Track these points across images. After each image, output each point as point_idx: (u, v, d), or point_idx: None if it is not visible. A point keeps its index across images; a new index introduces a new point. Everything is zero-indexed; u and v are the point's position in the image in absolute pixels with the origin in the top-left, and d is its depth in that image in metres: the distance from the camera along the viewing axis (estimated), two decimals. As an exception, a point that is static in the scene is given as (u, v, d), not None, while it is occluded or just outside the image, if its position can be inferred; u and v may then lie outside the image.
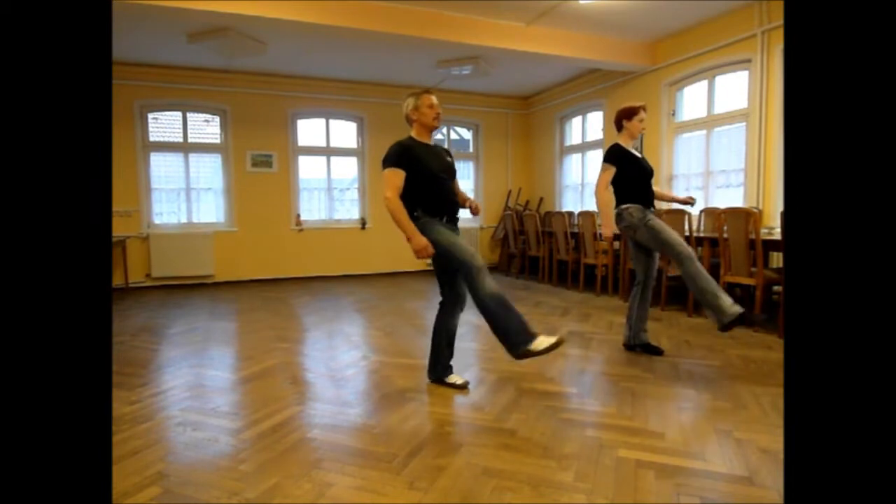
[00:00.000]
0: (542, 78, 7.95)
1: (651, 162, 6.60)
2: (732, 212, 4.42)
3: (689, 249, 3.34)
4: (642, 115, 3.65)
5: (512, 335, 2.68)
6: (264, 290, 6.81)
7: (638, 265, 3.67)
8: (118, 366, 3.46)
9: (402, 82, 8.02)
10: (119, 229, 6.90)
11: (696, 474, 2.01)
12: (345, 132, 8.33)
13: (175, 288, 7.11)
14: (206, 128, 7.57)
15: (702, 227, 5.69)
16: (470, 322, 4.83)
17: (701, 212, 5.80)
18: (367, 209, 8.28)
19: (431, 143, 3.06)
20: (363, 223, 8.23)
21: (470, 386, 3.05)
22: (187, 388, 3.06)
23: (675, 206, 4.78)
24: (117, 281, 6.86)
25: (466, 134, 9.27)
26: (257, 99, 7.56)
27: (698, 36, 5.94)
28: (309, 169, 8.15)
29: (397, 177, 2.85)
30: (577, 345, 3.95)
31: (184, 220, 7.46)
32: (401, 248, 9.04)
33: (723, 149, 5.97)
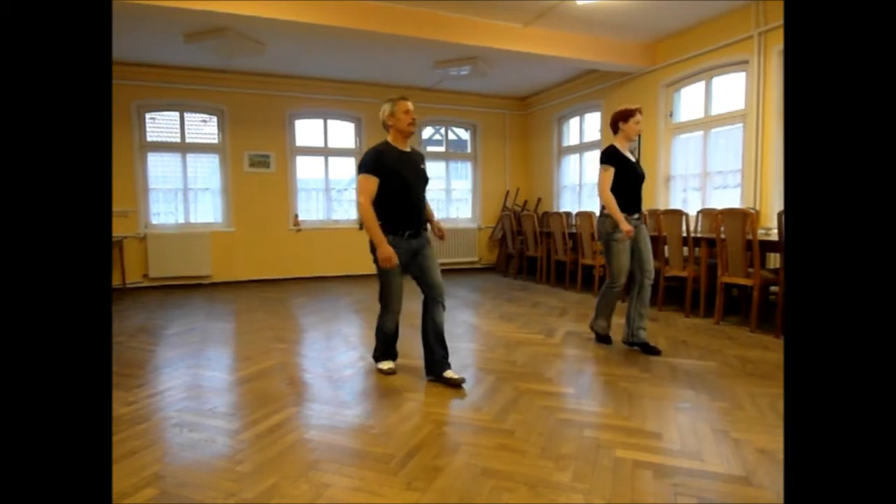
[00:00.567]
0: (539, 78, 7.96)
1: (648, 163, 6.70)
2: (729, 212, 4.43)
3: (622, 282, 3.70)
4: (638, 117, 3.69)
5: (378, 350, 3.38)
6: (262, 291, 6.80)
7: (633, 265, 3.72)
8: (115, 366, 3.45)
9: (400, 83, 8.02)
10: (116, 229, 6.88)
11: (693, 474, 2.01)
12: (343, 132, 8.32)
13: (172, 288, 7.09)
14: (203, 128, 7.56)
15: (699, 228, 5.70)
16: (467, 322, 4.83)
17: (698, 212, 5.82)
18: (364, 209, 8.28)
19: (407, 148, 3.14)
20: (361, 224, 8.22)
21: (468, 386, 3.05)
22: (184, 389, 3.05)
23: (671, 206, 4.81)
24: (115, 281, 6.84)
25: (464, 134, 9.27)
26: (255, 99, 7.55)
27: (696, 37, 5.95)
28: (307, 169, 8.14)
29: (371, 182, 2.98)
30: (574, 345, 3.96)
31: (181, 220, 7.44)
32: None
33: (720, 150, 5.98)
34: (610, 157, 3.65)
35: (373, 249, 3.06)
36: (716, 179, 6.04)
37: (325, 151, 8.20)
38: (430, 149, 9.00)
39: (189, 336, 4.37)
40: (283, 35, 5.71)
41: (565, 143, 8.61)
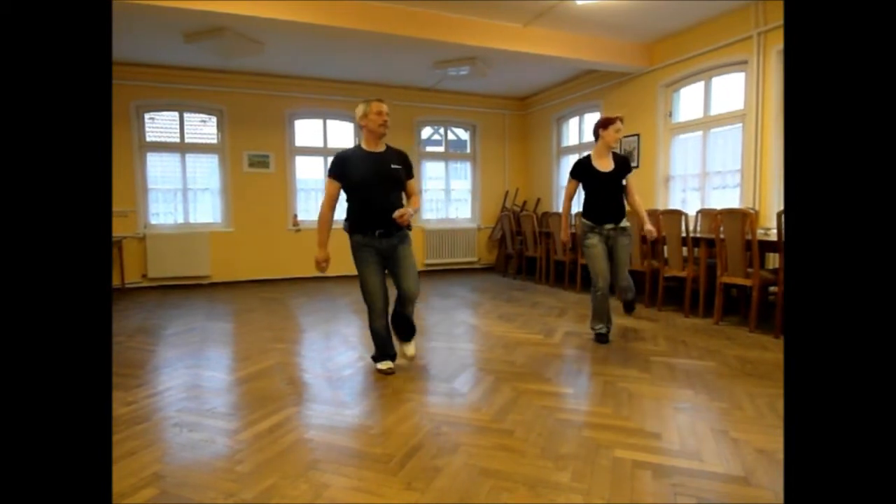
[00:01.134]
0: (539, 79, 7.96)
1: (648, 163, 6.70)
2: (729, 213, 4.44)
3: (601, 284, 3.83)
4: (618, 125, 3.86)
5: (376, 351, 3.38)
6: (261, 291, 6.80)
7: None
8: (115, 366, 3.44)
9: (399, 83, 8.02)
10: (116, 230, 6.87)
11: (692, 474, 2.01)
12: (342, 132, 8.32)
13: (172, 288, 7.09)
14: (202, 128, 7.55)
15: (698, 228, 5.70)
16: (466, 322, 4.83)
17: (698, 212, 5.82)
18: (364, 210, 8.28)
19: (380, 148, 3.19)
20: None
21: (467, 387, 3.05)
22: (184, 389, 3.05)
23: (670, 206, 4.85)
24: (114, 281, 6.83)
25: (464, 135, 9.27)
26: (254, 99, 7.54)
27: (695, 37, 5.95)
28: (306, 169, 8.14)
29: (331, 186, 3.13)
30: (574, 345, 3.96)
31: (180, 220, 7.44)
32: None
33: (719, 150, 5.98)
34: (573, 170, 3.94)
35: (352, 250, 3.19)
36: (715, 179, 6.04)
37: (325, 151, 8.20)
38: (429, 149, 9.00)
39: (188, 336, 4.36)
40: (283, 35, 5.71)
41: (564, 144, 8.62)
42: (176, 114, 7.34)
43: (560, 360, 3.59)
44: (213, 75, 7.23)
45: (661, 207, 6.28)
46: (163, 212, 7.41)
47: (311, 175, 8.19)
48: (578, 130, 8.34)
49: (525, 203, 8.99)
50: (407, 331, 3.36)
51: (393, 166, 3.16)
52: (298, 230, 7.90)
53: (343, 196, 3.20)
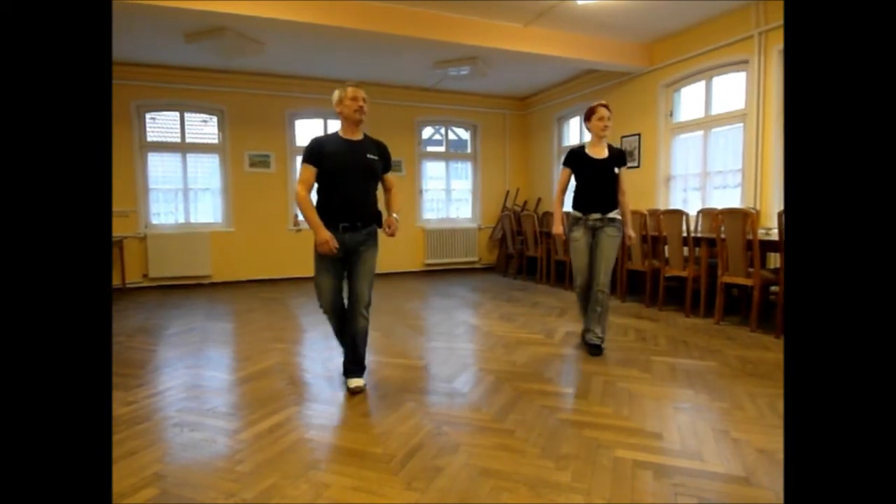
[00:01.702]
0: (539, 78, 7.96)
1: (648, 163, 6.70)
2: (730, 212, 4.43)
3: (579, 282, 3.74)
4: (601, 112, 3.66)
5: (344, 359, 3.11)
6: (262, 291, 6.80)
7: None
8: (115, 366, 3.45)
9: (399, 82, 8.02)
10: (116, 229, 6.88)
11: (693, 474, 2.01)
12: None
13: (172, 288, 7.09)
14: (203, 128, 7.55)
15: (699, 228, 5.70)
16: (467, 322, 4.83)
17: (698, 212, 5.81)
18: (364, 209, 8.27)
19: (358, 136, 2.99)
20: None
21: (468, 386, 3.05)
22: (184, 389, 3.05)
23: (671, 206, 4.82)
24: (114, 281, 6.83)
25: (464, 134, 9.27)
26: (255, 99, 7.54)
27: (695, 37, 5.95)
28: (306, 169, 8.13)
29: (307, 172, 2.89)
30: (574, 345, 3.95)
31: (181, 220, 7.44)
32: (398, 248, 9.05)
33: (720, 149, 5.98)
34: (566, 158, 3.80)
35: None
36: (716, 179, 6.04)
37: (325, 151, 8.19)
38: (430, 149, 9.00)
39: (189, 336, 4.37)
40: (283, 35, 5.71)
41: (565, 143, 8.61)
42: (177, 114, 7.34)
43: (561, 359, 3.59)
44: (214, 75, 7.24)
45: (661, 207, 6.28)
46: (163, 212, 7.41)
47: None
48: (579, 130, 8.33)
49: (526, 203, 8.99)
50: (353, 359, 3.04)
51: (369, 156, 2.96)
52: (299, 230, 7.90)
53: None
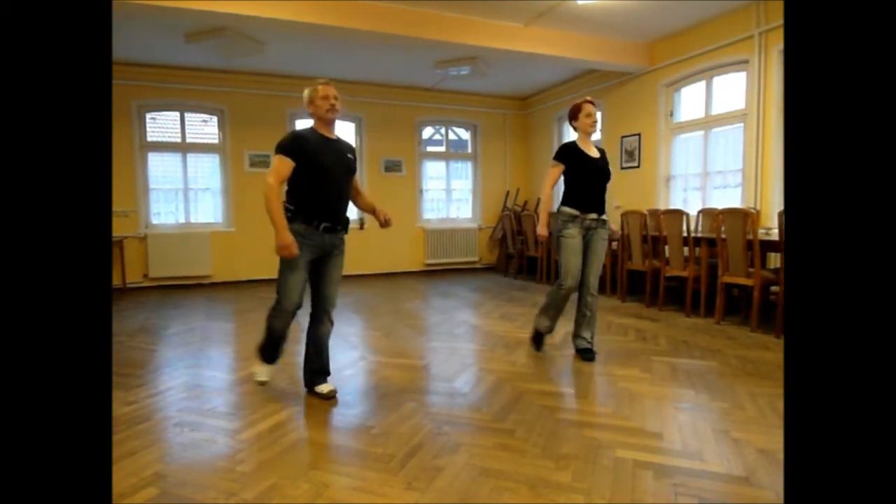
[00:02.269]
0: (540, 78, 7.96)
1: (648, 163, 6.69)
2: (730, 212, 4.43)
3: (569, 283, 3.50)
4: (588, 109, 3.54)
5: (261, 345, 2.99)
6: (262, 291, 6.79)
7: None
8: (115, 366, 3.45)
9: (400, 82, 8.02)
10: (117, 229, 6.88)
11: (693, 474, 2.01)
12: (343, 132, 8.28)
13: (172, 288, 7.09)
14: (203, 128, 7.56)
15: (699, 228, 5.70)
16: (467, 322, 4.83)
17: (699, 212, 5.81)
18: (365, 209, 8.27)
19: (333, 137, 2.87)
20: (361, 223, 8.15)
21: (468, 386, 3.05)
22: (185, 389, 3.05)
23: (672, 206, 4.80)
24: (115, 281, 6.83)
25: (465, 134, 9.27)
26: (255, 99, 7.54)
27: (696, 37, 5.95)
28: (307, 169, 8.14)
29: (283, 165, 2.67)
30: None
31: (181, 220, 7.44)
32: (399, 248, 9.04)
33: (720, 149, 5.98)
34: (560, 153, 3.61)
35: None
36: (716, 179, 6.04)
37: (326, 151, 8.19)
38: (430, 149, 9.00)
39: (189, 336, 4.37)
40: (284, 35, 5.71)
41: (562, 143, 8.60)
42: (177, 114, 7.35)
43: (561, 359, 3.59)
44: (215, 75, 7.24)
45: (662, 207, 6.28)
46: (164, 211, 7.41)
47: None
48: (579, 130, 8.32)
49: (526, 203, 8.99)
50: (319, 367, 2.96)
51: (349, 156, 2.88)
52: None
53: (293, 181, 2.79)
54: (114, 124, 6.73)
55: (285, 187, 2.78)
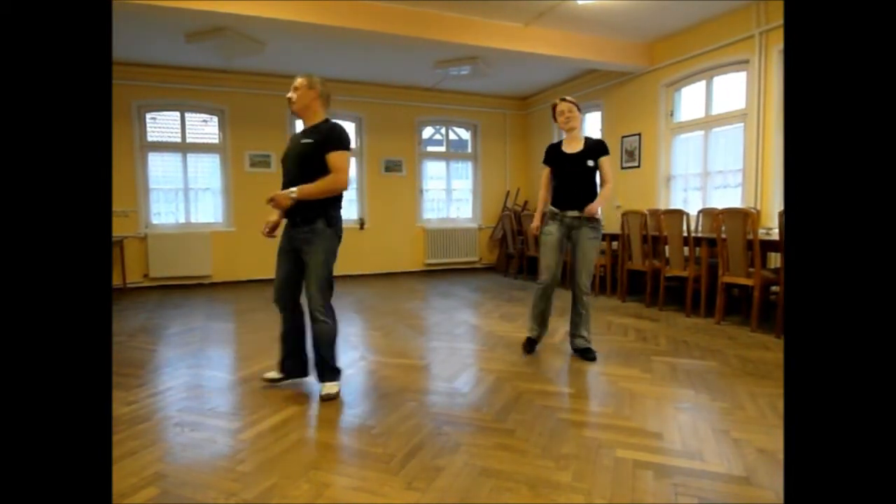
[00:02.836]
0: (540, 78, 7.96)
1: (649, 163, 6.69)
2: (730, 212, 4.43)
3: (543, 278, 3.60)
4: (560, 107, 3.58)
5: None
6: (262, 291, 6.80)
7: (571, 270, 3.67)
8: (115, 366, 3.45)
9: (400, 82, 8.02)
10: (117, 229, 6.89)
11: (693, 474, 2.01)
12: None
13: (173, 288, 7.10)
14: (204, 128, 7.56)
15: (700, 228, 5.70)
16: (467, 322, 4.83)
17: (699, 212, 5.81)
18: (365, 209, 8.27)
19: (306, 127, 2.88)
20: (361, 223, 8.22)
21: (468, 386, 3.05)
22: (185, 389, 3.05)
23: (672, 206, 4.80)
24: (115, 281, 6.84)
25: (465, 134, 9.27)
26: (256, 99, 7.55)
27: (696, 37, 5.95)
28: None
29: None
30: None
31: (182, 220, 7.45)
32: (399, 248, 9.05)
33: (721, 149, 5.98)
34: (545, 155, 3.73)
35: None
36: (716, 179, 6.04)
37: (326, 151, 8.19)
38: (430, 148, 9.00)
39: (189, 336, 4.37)
40: (284, 35, 5.71)
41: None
42: (177, 114, 7.35)
43: (561, 359, 3.59)
44: (215, 75, 7.24)
45: (662, 207, 6.28)
46: (164, 212, 7.41)
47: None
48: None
49: (526, 203, 8.99)
50: (317, 364, 2.92)
51: (304, 140, 2.81)
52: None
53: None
54: (114, 124, 6.74)
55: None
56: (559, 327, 4.59)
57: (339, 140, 2.78)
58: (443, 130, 9.10)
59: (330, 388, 2.87)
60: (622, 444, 2.28)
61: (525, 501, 1.84)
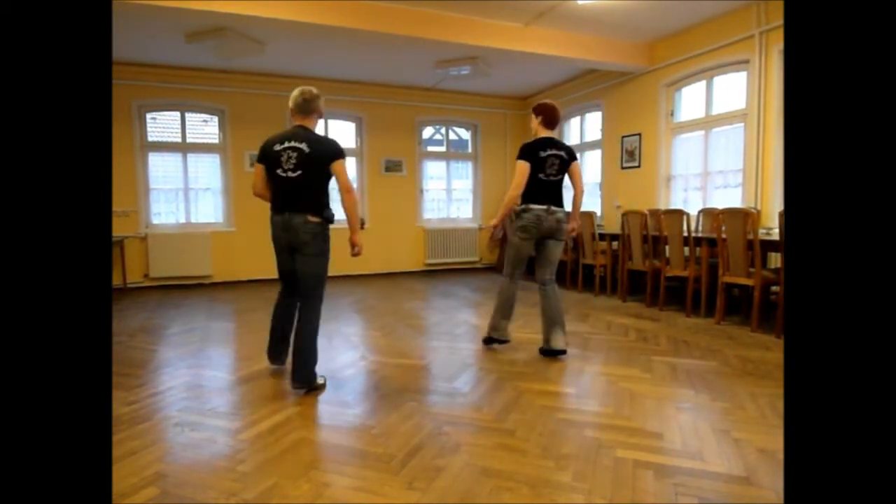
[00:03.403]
0: (540, 78, 7.96)
1: (649, 162, 6.70)
2: (730, 212, 4.43)
3: (506, 272, 3.96)
4: (532, 116, 4.14)
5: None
6: (262, 291, 6.80)
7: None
8: (116, 366, 3.45)
9: (400, 82, 8.02)
10: (117, 229, 6.88)
11: (694, 474, 2.01)
12: (344, 132, 8.32)
13: (173, 288, 7.10)
14: (204, 128, 7.56)
15: (700, 228, 5.69)
16: (468, 322, 4.83)
17: (699, 212, 5.81)
18: (365, 209, 8.27)
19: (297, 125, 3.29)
20: (362, 223, 8.16)
21: (469, 386, 3.05)
22: (185, 389, 3.05)
23: (672, 206, 4.80)
24: (115, 281, 6.84)
25: (465, 134, 9.27)
26: (256, 99, 7.55)
27: (696, 36, 5.95)
28: (307, 169, 8.14)
29: (257, 169, 3.30)
30: (575, 345, 3.95)
31: (182, 220, 7.45)
32: (399, 248, 9.04)
33: (721, 149, 5.97)
34: (521, 151, 3.94)
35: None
36: (717, 179, 6.04)
37: (326, 151, 8.19)
38: (430, 148, 9.00)
39: (189, 336, 4.37)
40: (284, 35, 5.71)
41: (566, 143, 8.60)
42: (177, 114, 7.35)
43: (561, 359, 3.59)
44: (215, 75, 7.24)
45: (662, 207, 6.28)
46: (164, 212, 7.41)
47: (312, 175, 8.19)
48: (580, 130, 8.33)
49: (526, 203, 8.98)
50: (296, 363, 2.95)
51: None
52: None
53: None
54: (114, 124, 6.74)
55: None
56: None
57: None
58: (443, 130, 9.09)
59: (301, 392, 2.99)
60: (622, 444, 2.28)
61: (525, 501, 1.84)
